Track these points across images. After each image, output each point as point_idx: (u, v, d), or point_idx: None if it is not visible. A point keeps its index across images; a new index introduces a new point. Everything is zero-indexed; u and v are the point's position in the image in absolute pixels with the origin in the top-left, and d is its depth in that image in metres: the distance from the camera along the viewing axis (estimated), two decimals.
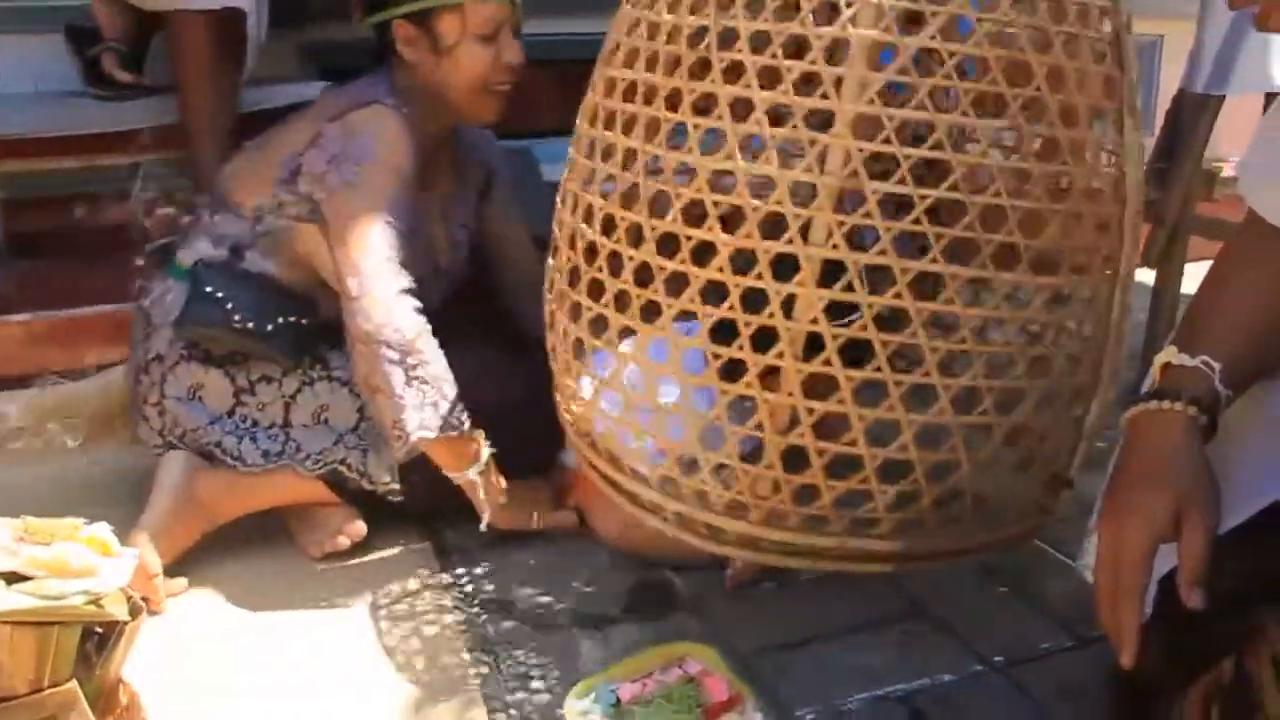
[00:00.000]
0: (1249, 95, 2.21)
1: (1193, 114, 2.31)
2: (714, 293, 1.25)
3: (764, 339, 1.24)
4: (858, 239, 1.22)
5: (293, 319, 1.70)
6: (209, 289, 1.67)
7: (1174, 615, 1.11)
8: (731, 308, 1.22)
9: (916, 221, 1.18)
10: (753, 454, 1.28)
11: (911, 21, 1.21)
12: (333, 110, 1.73)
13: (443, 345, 1.61)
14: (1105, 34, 1.27)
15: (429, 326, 1.59)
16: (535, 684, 1.41)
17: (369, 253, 1.60)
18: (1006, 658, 1.46)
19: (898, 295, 1.19)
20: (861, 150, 1.18)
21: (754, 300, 1.23)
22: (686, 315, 1.28)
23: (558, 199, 1.51)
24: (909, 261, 1.19)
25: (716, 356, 1.24)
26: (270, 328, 1.68)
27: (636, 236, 1.31)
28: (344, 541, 1.69)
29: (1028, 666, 1.44)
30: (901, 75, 1.18)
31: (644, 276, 1.29)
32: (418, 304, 1.60)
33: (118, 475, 1.93)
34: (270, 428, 1.70)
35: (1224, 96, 2.24)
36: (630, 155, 1.32)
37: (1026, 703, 1.38)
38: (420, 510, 1.74)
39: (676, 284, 1.28)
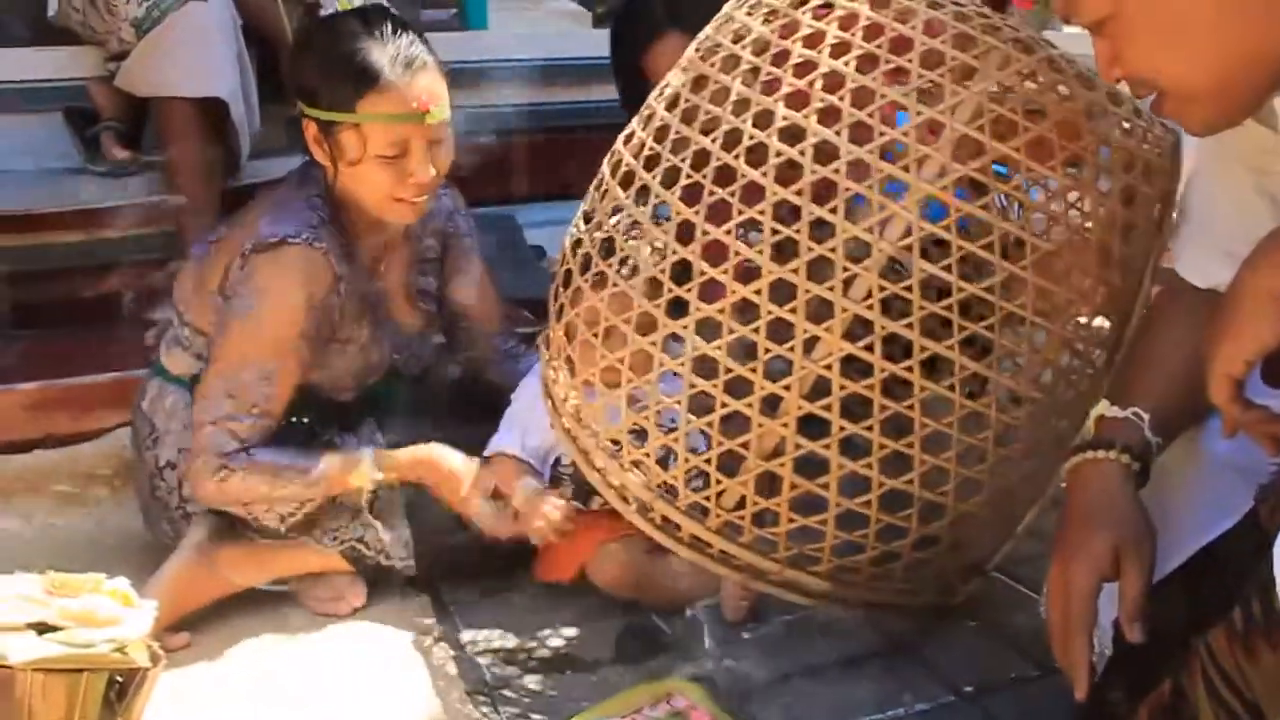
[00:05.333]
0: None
1: None
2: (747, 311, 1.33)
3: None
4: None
5: (294, 420, 1.73)
6: None
7: (1130, 653, 1.20)
8: (757, 330, 1.30)
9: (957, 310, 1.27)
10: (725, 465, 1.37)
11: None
12: (253, 233, 1.69)
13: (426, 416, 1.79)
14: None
15: (235, 462, 1.64)
16: None
17: (199, 413, 1.67)
18: (977, 687, 1.54)
19: (909, 369, 1.28)
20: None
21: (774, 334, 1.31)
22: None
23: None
24: (928, 342, 1.27)
25: (728, 370, 1.32)
26: (281, 435, 1.72)
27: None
28: (344, 608, 1.75)
29: (997, 695, 1.52)
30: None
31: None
32: (229, 449, 1.64)
33: (118, 535, 1.99)
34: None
35: None
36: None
37: None
38: (426, 580, 1.80)
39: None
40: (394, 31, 1.68)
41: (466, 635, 1.69)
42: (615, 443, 1.45)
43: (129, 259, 2.39)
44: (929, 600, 1.50)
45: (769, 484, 1.36)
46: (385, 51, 1.66)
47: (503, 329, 2.03)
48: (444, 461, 1.74)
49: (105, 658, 1.18)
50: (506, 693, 1.55)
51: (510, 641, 1.67)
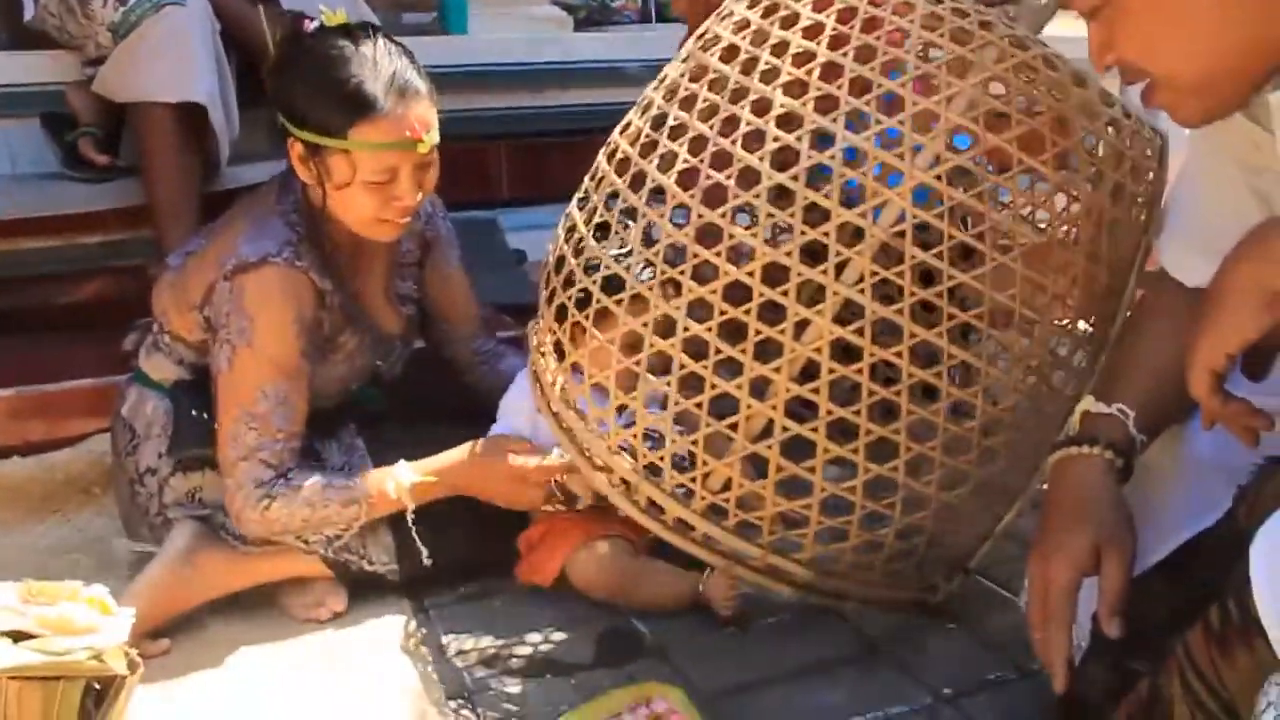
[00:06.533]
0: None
1: None
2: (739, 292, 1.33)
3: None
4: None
5: None
6: (194, 412, 1.73)
7: (1107, 648, 1.22)
8: (748, 312, 1.31)
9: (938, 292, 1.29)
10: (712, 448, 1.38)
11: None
12: (233, 252, 1.67)
13: (404, 420, 1.78)
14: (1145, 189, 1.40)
15: (275, 489, 1.65)
16: None
17: (227, 450, 1.66)
18: (955, 690, 1.54)
19: (899, 354, 1.29)
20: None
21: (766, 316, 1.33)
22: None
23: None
24: (919, 329, 1.29)
25: (718, 351, 1.33)
26: None
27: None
28: (325, 613, 1.74)
29: (975, 697, 1.52)
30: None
31: None
32: (267, 479, 1.65)
33: (96, 542, 1.97)
34: None
35: None
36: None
37: None
38: (410, 585, 1.79)
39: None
40: (386, 54, 1.65)
41: (447, 639, 1.69)
42: (602, 424, 1.46)
43: (106, 265, 2.39)
44: (910, 595, 1.51)
45: (755, 468, 1.37)
46: (379, 79, 1.62)
47: (481, 332, 2.04)
48: (492, 463, 1.70)
49: (82, 665, 1.17)
50: (486, 696, 1.55)
51: (490, 645, 1.67)
